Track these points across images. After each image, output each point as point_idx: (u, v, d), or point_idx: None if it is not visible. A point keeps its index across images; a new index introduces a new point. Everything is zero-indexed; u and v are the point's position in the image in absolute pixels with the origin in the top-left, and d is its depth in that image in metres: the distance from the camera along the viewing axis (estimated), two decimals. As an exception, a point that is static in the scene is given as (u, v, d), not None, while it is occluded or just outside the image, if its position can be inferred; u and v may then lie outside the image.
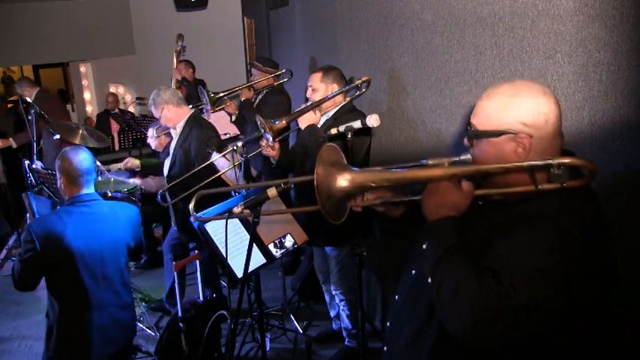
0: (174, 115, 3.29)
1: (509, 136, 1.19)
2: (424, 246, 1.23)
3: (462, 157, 1.30)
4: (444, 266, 1.13)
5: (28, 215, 3.00)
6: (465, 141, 1.31)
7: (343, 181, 1.24)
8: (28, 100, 4.38)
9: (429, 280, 1.16)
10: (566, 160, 1.11)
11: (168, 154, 3.41)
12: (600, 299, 1.15)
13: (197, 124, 3.29)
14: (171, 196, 3.27)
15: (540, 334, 1.11)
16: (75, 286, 2.21)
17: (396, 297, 1.47)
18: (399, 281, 1.49)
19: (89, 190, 2.31)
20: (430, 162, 1.28)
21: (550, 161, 1.11)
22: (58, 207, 2.67)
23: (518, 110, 1.19)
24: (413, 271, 1.40)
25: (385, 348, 1.49)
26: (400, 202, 1.45)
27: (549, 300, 1.05)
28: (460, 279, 1.09)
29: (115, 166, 5.31)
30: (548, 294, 1.05)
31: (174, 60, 4.60)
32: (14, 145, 5.49)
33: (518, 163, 1.16)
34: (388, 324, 1.49)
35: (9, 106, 7.77)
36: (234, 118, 3.98)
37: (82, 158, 2.28)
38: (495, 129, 1.21)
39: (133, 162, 3.81)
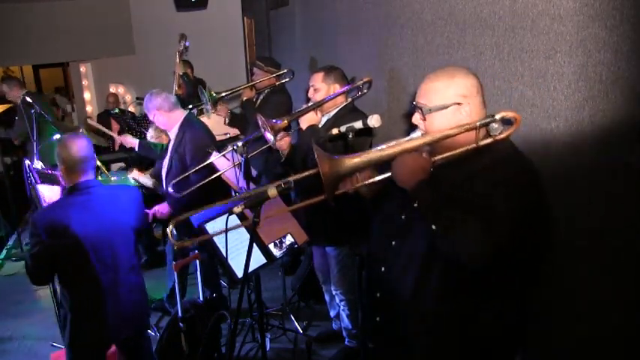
0: (166, 120, 3.28)
1: (454, 107, 1.52)
2: (415, 204, 1.51)
3: (414, 135, 1.61)
4: (443, 211, 1.42)
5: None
6: (416, 118, 1.60)
7: (344, 164, 1.47)
8: (29, 100, 4.38)
9: (433, 226, 1.43)
10: (503, 113, 1.46)
11: (163, 157, 3.42)
12: (541, 223, 1.46)
13: (190, 128, 3.27)
14: (169, 195, 3.27)
15: (512, 251, 1.40)
16: (85, 273, 2.23)
17: (382, 269, 1.67)
18: (378, 255, 1.71)
19: (89, 176, 2.30)
20: (390, 144, 1.53)
21: (492, 117, 1.46)
22: (60, 197, 2.68)
23: (458, 86, 1.52)
24: (393, 242, 1.64)
25: (378, 318, 1.68)
26: (373, 183, 1.64)
27: (519, 212, 1.38)
28: (458, 217, 1.40)
29: (115, 166, 5.31)
30: (518, 207, 1.38)
31: (177, 59, 4.58)
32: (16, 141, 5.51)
33: (471, 122, 1.47)
34: (378, 294, 1.68)
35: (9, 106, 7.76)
36: (227, 120, 3.97)
37: (81, 145, 2.26)
38: (443, 103, 1.52)
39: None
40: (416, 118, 1.61)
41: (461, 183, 1.46)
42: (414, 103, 1.60)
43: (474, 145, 1.47)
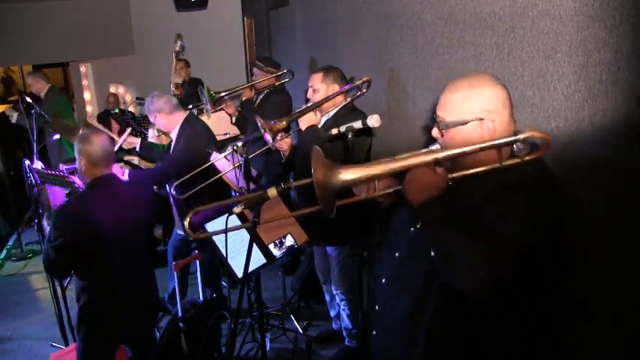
0: (167, 122, 3.31)
1: (475, 123, 1.36)
2: (418, 225, 1.40)
3: (432, 148, 1.45)
4: (443, 237, 1.29)
5: (41, 211, 3.04)
6: (435, 131, 1.45)
7: (341, 175, 1.33)
8: (29, 100, 4.38)
9: (432, 253, 1.31)
10: (529, 134, 1.27)
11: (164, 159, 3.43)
12: (552, 246, 1.35)
13: (191, 128, 3.29)
14: (172, 196, 3.27)
15: (517, 275, 1.28)
16: (105, 263, 2.29)
17: (382, 280, 1.56)
18: (381, 265, 1.61)
19: (110, 170, 2.40)
20: (404, 155, 1.41)
21: (515, 137, 1.28)
22: (79, 190, 2.76)
23: (481, 99, 1.36)
24: (396, 254, 1.53)
25: (375, 332, 1.59)
26: (384, 194, 1.54)
27: (527, 245, 1.25)
28: (461, 245, 1.26)
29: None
30: (527, 240, 1.25)
31: (174, 60, 4.59)
32: (13, 120, 5.48)
33: (490, 142, 1.30)
34: (377, 307, 1.58)
35: (9, 106, 7.76)
36: (234, 119, 3.97)
37: (104, 141, 2.37)
38: (463, 118, 1.37)
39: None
40: (435, 132, 1.46)
41: (481, 202, 1.31)
42: (434, 115, 1.47)
43: (498, 164, 1.31)
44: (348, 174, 1.33)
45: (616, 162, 1.59)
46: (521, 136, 1.27)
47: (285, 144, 2.68)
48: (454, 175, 1.37)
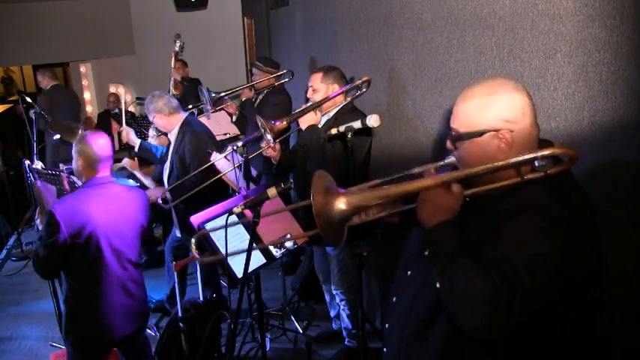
0: (165, 124, 3.30)
1: (491, 134, 1.24)
2: (426, 252, 1.26)
3: (447, 161, 1.35)
4: (451, 270, 1.17)
5: (37, 210, 3.03)
6: (448, 144, 1.34)
7: (341, 205, 1.22)
8: (29, 99, 4.38)
9: (438, 284, 1.20)
10: (548, 152, 1.13)
11: (164, 162, 3.42)
12: (591, 278, 1.20)
13: (190, 130, 3.27)
14: (172, 198, 3.27)
15: (541, 319, 1.15)
16: (96, 263, 2.27)
17: (394, 299, 1.49)
18: (394, 282, 1.52)
19: (105, 173, 2.39)
20: (417, 170, 1.32)
21: (533, 155, 1.14)
22: (76, 190, 2.70)
23: (497, 108, 1.24)
24: (409, 272, 1.44)
25: (385, 349, 1.51)
26: (396, 213, 1.46)
27: (549, 282, 1.11)
28: (468, 280, 1.13)
29: (115, 166, 5.30)
30: (548, 277, 1.11)
31: (173, 60, 4.59)
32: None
33: (504, 162, 1.17)
34: (387, 325, 1.50)
35: (9, 106, 7.77)
36: (234, 118, 3.97)
37: (102, 144, 2.36)
38: (477, 129, 1.25)
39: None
40: (448, 144, 1.35)
41: (500, 221, 1.19)
42: (449, 128, 1.36)
43: (519, 179, 1.19)
44: (347, 203, 1.21)
45: (616, 162, 1.59)
46: (538, 154, 1.14)
47: (273, 151, 2.64)
48: (470, 192, 1.27)
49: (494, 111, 1.24)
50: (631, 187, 1.55)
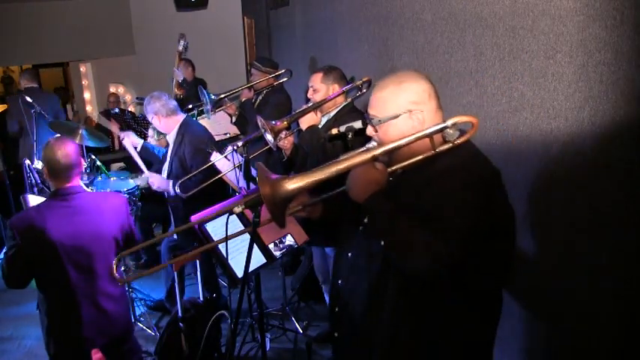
0: (163, 125, 3.28)
1: (405, 115, 1.46)
2: (366, 220, 1.49)
3: (369, 146, 1.54)
4: (392, 227, 1.37)
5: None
6: (369, 130, 1.55)
7: (291, 184, 1.35)
8: (29, 99, 4.38)
9: (382, 242, 1.40)
10: (457, 119, 1.34)
11: (163, 163, 3.42)
12: (500, 226, 1.43)
13: (189, 131, 3.26)
14: (171, 198, 3.27)
15: (467, 258, 1.35)
16: (60, 279, 2.20)
17: (339, 281, 1.64)
18: (345, 238, 1.68)
19: (73, 183, 2.26)
20: (344, 157, 1.45)
21: (445, 124, 1.34)
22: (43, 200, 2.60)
23: (407, 93, 1.47)
24: (349, 254, 1.61)
25: (336, 333, 1.64)
26: (326, 199, 1.59)
27: (472, 228, 1.33)
28: (408, 232, 1.35)
29: (115, 166, 5.30)
30: (470, 224, 1.33)
31: (176, 60, 4.58)
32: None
33: (421, 132, 1.37)
34: (337, 309, 1.64)
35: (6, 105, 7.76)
36: (234, 119, 3.97)
37: (68, 151, 2.20)
38: (394, 113, 1.47)
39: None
40: (370, 130, 1.56)
41: (422, 188, 1.40)
42: (365, 114, 1.56)
43: (432, 151, 1.39)
44: (294, 183, 1.35)
45: (616, 162, 1.59)
46: (449, 122, 1.34)
47: (288, 142, 2.68)
48: (393, 167, 1.45)
49: (405, 96, 1.46)
50: (631, 187, 1.55)
